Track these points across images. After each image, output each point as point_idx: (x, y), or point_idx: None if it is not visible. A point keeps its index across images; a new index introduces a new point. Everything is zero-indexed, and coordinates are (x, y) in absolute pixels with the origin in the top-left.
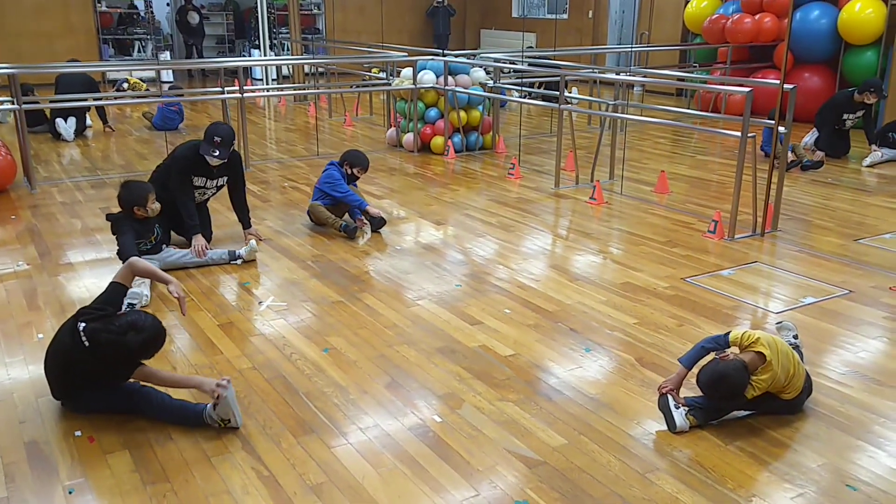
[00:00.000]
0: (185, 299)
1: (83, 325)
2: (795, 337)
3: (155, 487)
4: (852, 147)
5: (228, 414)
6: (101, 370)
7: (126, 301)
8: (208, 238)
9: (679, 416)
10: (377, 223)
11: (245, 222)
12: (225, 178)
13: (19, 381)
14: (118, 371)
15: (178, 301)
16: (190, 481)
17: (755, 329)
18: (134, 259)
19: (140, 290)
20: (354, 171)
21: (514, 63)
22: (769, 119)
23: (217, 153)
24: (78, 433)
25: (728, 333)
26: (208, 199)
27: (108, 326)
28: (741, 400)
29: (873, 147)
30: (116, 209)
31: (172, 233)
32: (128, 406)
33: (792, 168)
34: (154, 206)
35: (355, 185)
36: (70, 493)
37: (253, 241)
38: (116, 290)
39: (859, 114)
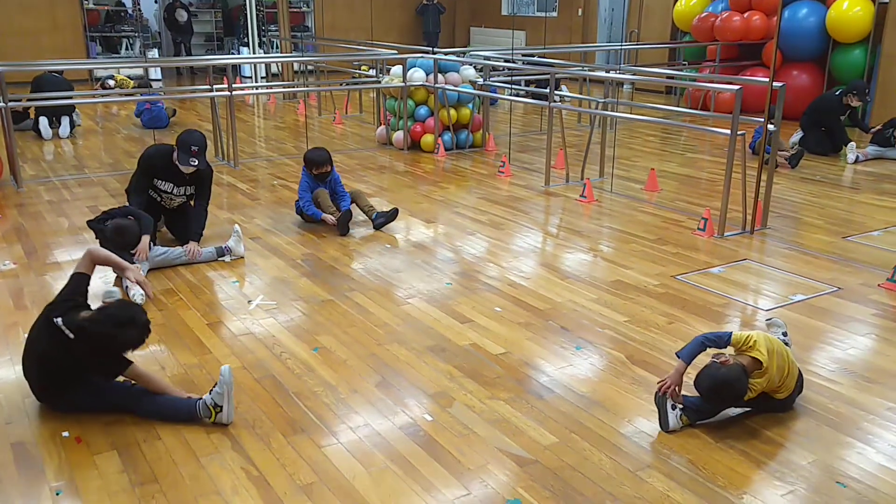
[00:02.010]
0: (148, 284)
1: (59, 318)
2: (785, 334)
3: (143, 488)
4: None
5: (223, 399)
6: (86, 364)
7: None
8: (186, 240)
9: (674, 417)
10: (387, 216)
11: (193, 233)
12: (193, 187)
13: (6, 382)
14: (106, 366)
15: (140, 286)
16: (179, 482)
17: (748, 326)
18: (92, 248)
19: (137, 290)
20: (315, 171)
21: (505, 60)
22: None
23: (196, 162)
24: (65, 434)
25: (731, 334)
26: (179, 206)
27: (98, 317)
28: (738, 402)
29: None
30: (99, 211)
31: (158, 231)
32: (115, 404)
33: (777, 165)
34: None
35: (336, 178)
36: (57, 494)
37: (237, 226)
38: (80, 280)
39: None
